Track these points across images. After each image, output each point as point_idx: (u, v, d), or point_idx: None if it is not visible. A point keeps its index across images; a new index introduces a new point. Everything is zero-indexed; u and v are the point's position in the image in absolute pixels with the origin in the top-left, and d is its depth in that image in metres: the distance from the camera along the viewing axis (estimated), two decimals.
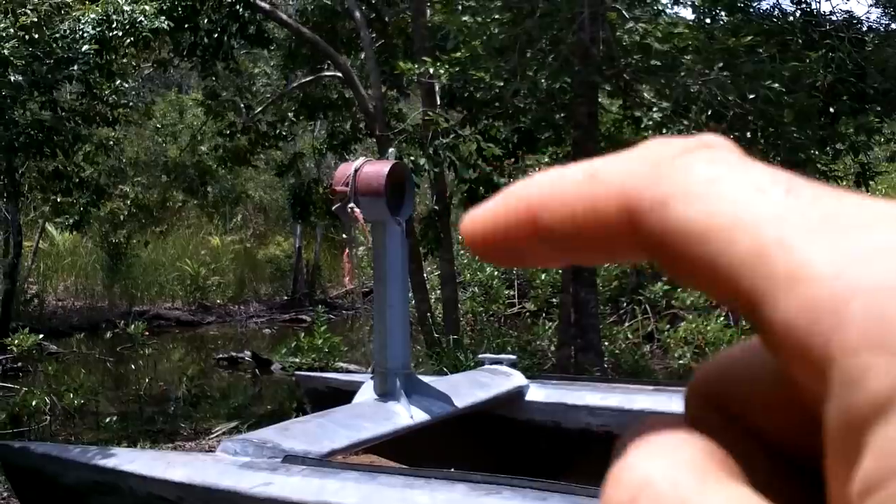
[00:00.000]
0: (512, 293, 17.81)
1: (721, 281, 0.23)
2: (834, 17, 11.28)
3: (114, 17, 11.00)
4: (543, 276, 15.95)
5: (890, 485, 0.19)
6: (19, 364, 13.12)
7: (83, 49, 11.04)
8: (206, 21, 12.84)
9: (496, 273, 17.19)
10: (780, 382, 0.25)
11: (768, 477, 0.25)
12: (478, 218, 0.28)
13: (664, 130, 9.58)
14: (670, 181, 0.24)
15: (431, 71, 9.68)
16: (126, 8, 11.04)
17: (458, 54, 9.56)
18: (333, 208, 5.37)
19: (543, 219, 0.27)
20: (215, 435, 10.02)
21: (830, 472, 0.21)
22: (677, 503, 0.22)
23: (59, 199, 14.17)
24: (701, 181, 0.24)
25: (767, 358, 0.24)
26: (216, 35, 12.99)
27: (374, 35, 13.55)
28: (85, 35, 11.05)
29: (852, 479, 0.20)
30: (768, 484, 0.24)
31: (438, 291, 13.89)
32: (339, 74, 13.30)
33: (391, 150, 10.17)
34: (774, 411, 0.25)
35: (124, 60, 12.56)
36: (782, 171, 0.24)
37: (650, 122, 9.76)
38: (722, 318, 13.16)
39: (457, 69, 9.56)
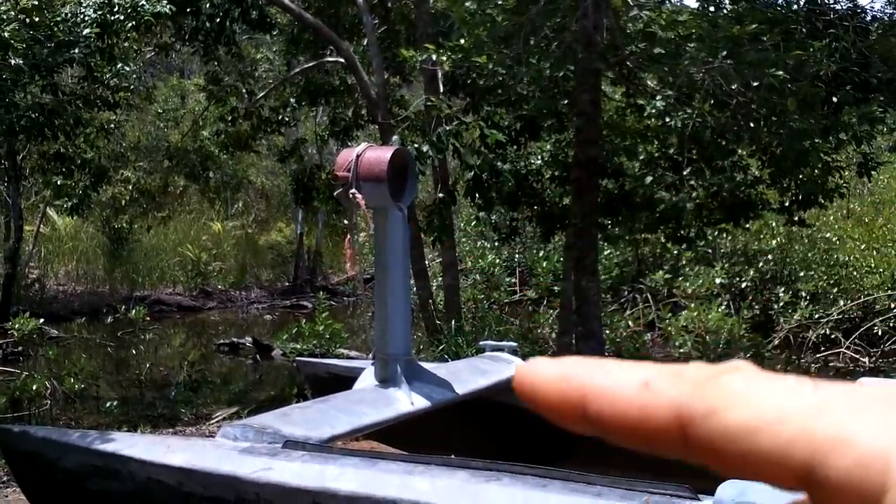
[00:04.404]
0: (513, 281, 17.83)
1: (773, 462, 0.27)
2: (838, 7, 11.24)
3: (115, 0, 10.97)
4: (545, 264, 15.94)
5: None
6: (20, 348, 13.13)
7: (84, 32, 11.01)
8: (208, 5, 12.79)
9: (497, 261, 17.19)
10: None
11: None
12: (537, 376, 0.34)
13: (667, 118, 9.55)
14: (715, 394, 0.29)
15: (434, 58, 9.65)
16: None
17: (462, 41, 9.53)
18: (335, 194, 5.35)
19: (593, 410, 0.31)
20: (216, 420, 10.03)
21: None
22: None
23: (59, 182, 14.16)
24: (741, 391, 0.28)
25: None
26: (218, 20, 12.94)
27: (376, 21, 13.51)
28: (86, 18, 11.01)
29: None
30: None
31: (440, 278, 13.88)
32: (342, 60, 13.27)
33: (395, 137, 10.17)
34: None
35: (126, 44, 12.54)
36: (807, 377, 0.29)
37: (653, 111, 9.72)
38: (723, 307, 13.15)
39: (460, 56, 9.53)
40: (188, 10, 12.30)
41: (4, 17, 10.49)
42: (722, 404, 0.28)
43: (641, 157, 11.18)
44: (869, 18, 11.60)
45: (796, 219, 10.75)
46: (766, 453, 0.27)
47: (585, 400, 0.30)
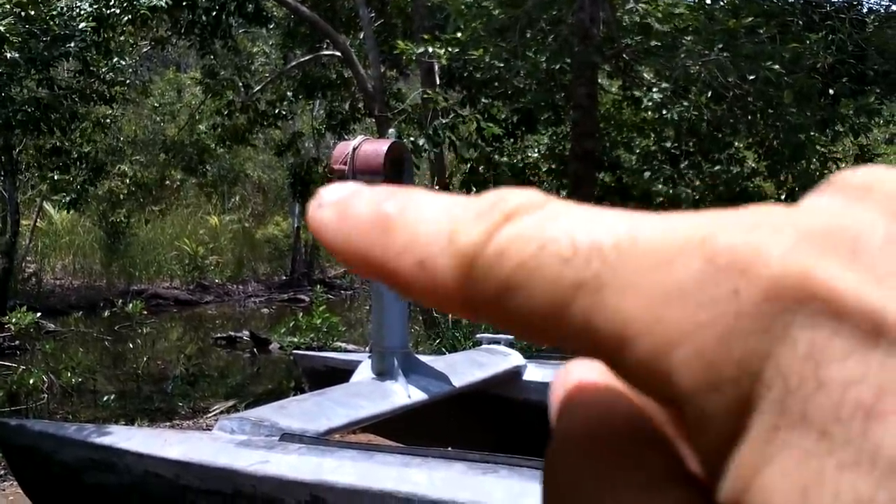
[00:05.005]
0: None
1: (572, 342, 0.24)
2: None
3: None
4: None
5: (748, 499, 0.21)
6: (17, 342, 13.12)
7: (80, 26, 10.99)
8: None
9: None
10: None
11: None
12: (321, 224, 0.27)
13: (664, 111, 9.55)
14: (500, 269, 0.24)
15: (431, 51, 9.64)
16: None
17: (459, 34, 9.52)
18: None
19: (379, 279, 0.26)
20: (213, 413, 10.03)
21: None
22: None
23: (56, 177, 14.15)
24: (521, 260, 0.24)
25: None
26: (214, 13, 12.92)
27: (373, 14, 13.50)
28: (82, 12, 11.00)
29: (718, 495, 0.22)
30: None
31: None
32: (338, 54, 13.25)
33: (391, 130, 10.17)
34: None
35: (122, 38, 12.53)
36: (590, 221, 0.24)
37: (650, 103, 9.73)
38: None
39: (456, 49, 9.53)
40: (184, 3, 12.28)
41: (0, 10, 10.47)
42: (509, 284, 0.24)
43: (638, 151, 11.19)
44: (865, 10, 11.61)
45: None
46: (563, 339, 0.24)
47: (367, 268, 0.26)
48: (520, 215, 0.25)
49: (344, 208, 0.27)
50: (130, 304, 14.59)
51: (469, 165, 11.14)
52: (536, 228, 0.24)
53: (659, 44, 9.44)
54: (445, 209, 0.26)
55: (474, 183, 11.16)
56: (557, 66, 9.98)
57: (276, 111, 15.85)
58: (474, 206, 0.26)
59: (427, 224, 0.26)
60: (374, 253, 0.26)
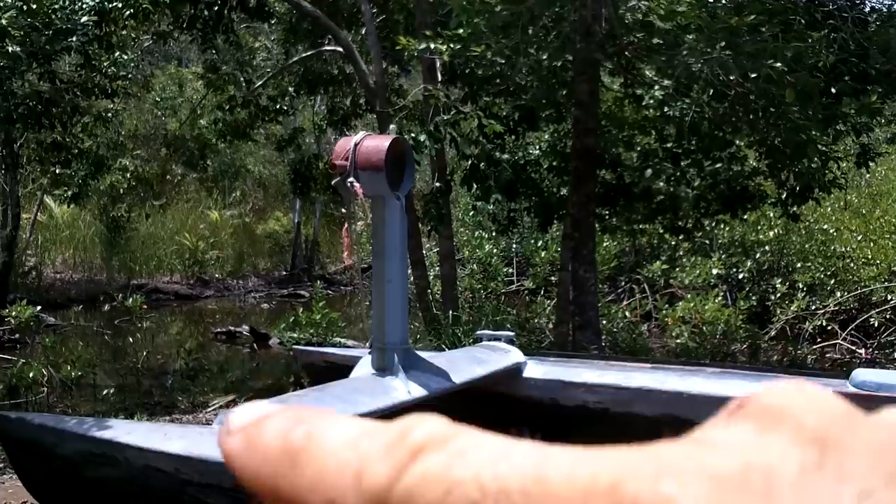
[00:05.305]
0: (510, 271, 17.83)
1: None
2: None
3: None
4: (542, 254, 15.94)
5: None
6: (17, 336, 13.13)
7: (82, 20, 10.98)
8: None
9: (495, 250, 17.20)
10: None
11: None
12: (230, 451, 0.28)
13: (666, 108, 9.54)
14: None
15: (432, 47, 9.63)
16: None
17: (461, 31, 9.51)
18: (333, 183, 5.35)
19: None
20: (213, 408, 10.04)
21: None
22: None
23: (57, 172, 14.15)
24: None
25: None
26: (216, 8, 12.91)
27: (375, 10, 13.49)
28: (84, 6, 10.98)
29: None
30: None
31: (437, 268, 13.89)
32: (340, 49, 13.25)
33: (392, 126, 10.15)
34: None
35: (124, 32, 12.51)
36: (497, 459, 0.25)
37: (652, 101, 9.72)
38: (720, 298, 13.16)
39: (458, 46, 9.52)
40: None
41: (2, 3, 10.46)
42: None
43: (639, 149, 11.19)
44: (868, 9, 11.59)
45: (792, 211, 10.76)
46: None
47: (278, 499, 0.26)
48: (427, 452, 0.25)
49: (253, 437, 0.27)
50: (130, 299, 14.61)
51: (470, 162, 11.13)
52: (443, 468, 0.24)
53: (661, 41, 9.43)
54: (353, 440, 0.26)
55: (475, 180, 11.15)
56: (559, 64, 9.97)
57: (278, 106, 15.84)
58: (382, 439, 0.26)
59: (335, 458, 0.26)
60: (283, 488, 0.26)
